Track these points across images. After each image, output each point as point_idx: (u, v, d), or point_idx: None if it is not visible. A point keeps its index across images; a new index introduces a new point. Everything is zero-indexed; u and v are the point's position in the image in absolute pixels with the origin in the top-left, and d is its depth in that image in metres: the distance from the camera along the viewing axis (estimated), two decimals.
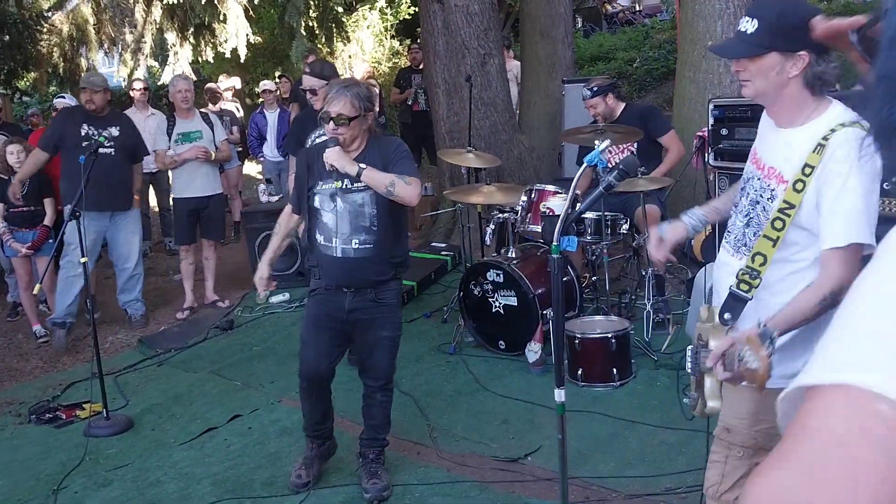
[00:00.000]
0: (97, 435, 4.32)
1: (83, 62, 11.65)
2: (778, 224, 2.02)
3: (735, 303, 2.06)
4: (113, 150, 5.86)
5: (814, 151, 1.98)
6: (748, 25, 2.03)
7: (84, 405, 4.68)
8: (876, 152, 0.69)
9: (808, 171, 1.97)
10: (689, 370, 2.23)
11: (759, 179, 2.17)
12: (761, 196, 2.15)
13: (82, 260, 4.57)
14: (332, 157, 3.24)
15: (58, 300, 5.88)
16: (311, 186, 3.40)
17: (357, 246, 3.32)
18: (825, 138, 1.97)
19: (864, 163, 1.91)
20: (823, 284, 1.96)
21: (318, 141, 5.08)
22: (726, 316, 2.06)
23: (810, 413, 0.59)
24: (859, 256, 1.98)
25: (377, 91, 9.44)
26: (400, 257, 3.47)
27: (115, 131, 5.95)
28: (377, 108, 8.99)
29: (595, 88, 5.28)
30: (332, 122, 3.25)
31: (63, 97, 7.26)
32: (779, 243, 2.01)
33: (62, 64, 11.13)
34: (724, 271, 2.23)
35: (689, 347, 2.33)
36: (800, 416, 0.59)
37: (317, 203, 3.38)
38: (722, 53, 2.31)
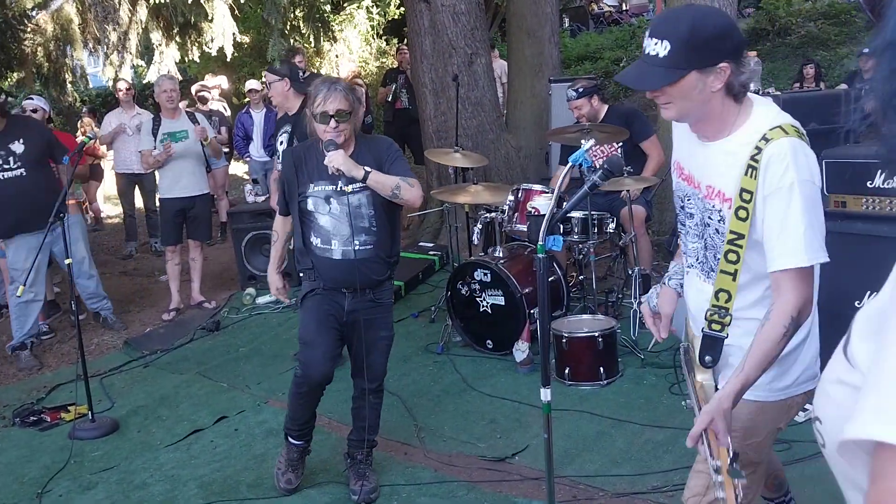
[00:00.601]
0: (82, 437, 4.29)
1: (68, 62, 11.59)
2: (732, 257, 1.93)
3: (712, 343, 1.99)
4: (22, 169, 5.32)
5: (747, 175, 1.88)
6: (658, 48, 1.86)
7: (69, 407, 4.64)
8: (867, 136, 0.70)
9: (746, 196, 1.89)
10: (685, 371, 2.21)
11: (700, 199, 2.08)
12: (710, 218, 2.05)
13: (67, 262, 4.52)
14: (337, 160, 3.14)
15: (15, 327, 5.57)
16: (301, 190, 3.33)
17: (358, 247, 3.27)
18: (755, 159, 1.87)
19: (802, 173, 1.85)
20: (782, 313, 1.86)
21: (281, 140, 5.06)
22: (707, 359, 1.99)
23: (881, 475, 0.66)
24: (813, 273, 1.90)
25: (364, 91, 9.42)
26: (395, 257, 3.46)
27: (18, 146, 5.35)
28: (364, 108, 9.01)
29: (580, 90, 5.27)
30: (332, 121, 3.17)
31: (31, 99, 6.96)
32: (738, 276, 1.93)
33: (46, 64, 11.07)
34: (699, 298, 2.14)
35: (682, 345, 2.31)
36: (873, 476, 0.67)
37: (310, 206, 3.31)
38: (637, 85, 2.03)
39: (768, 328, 1.87)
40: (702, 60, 1.86)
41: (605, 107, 5.41)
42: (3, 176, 5.32)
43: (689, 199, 2.14)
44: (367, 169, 3.19)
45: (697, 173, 2.09)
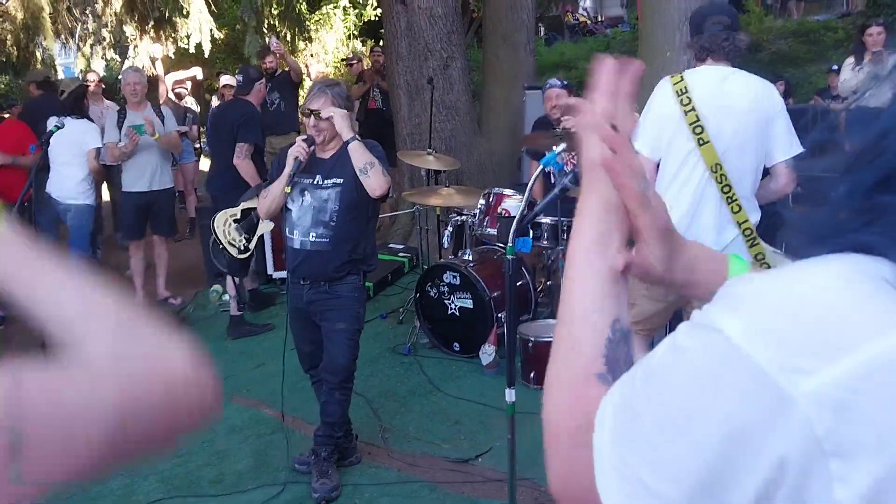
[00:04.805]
0: None
1: (38, 52, 11.43)
2: None
3: None
4: None
5: None
6: None
7: None
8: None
9: None
10: None
11: None
12: None
13: None
14: (336, 113, 3.34)
15: None
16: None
17: (314, 239, 3.41)
18: None
19: None
20: None
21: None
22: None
23: None
24: None
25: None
26: (360, 254, 3.48)
27: None
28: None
29: (565, 82, 5.31)
30: (313, 118, 3.38)
31: None
32: None
33: (15, 52, 10.90)
34: None
35: None
36: None
37: (288, 199, 3.48)
38: None
39: None
40: None
41: None
42: None
43: None
44: (356, 136, 3.38)
45: None
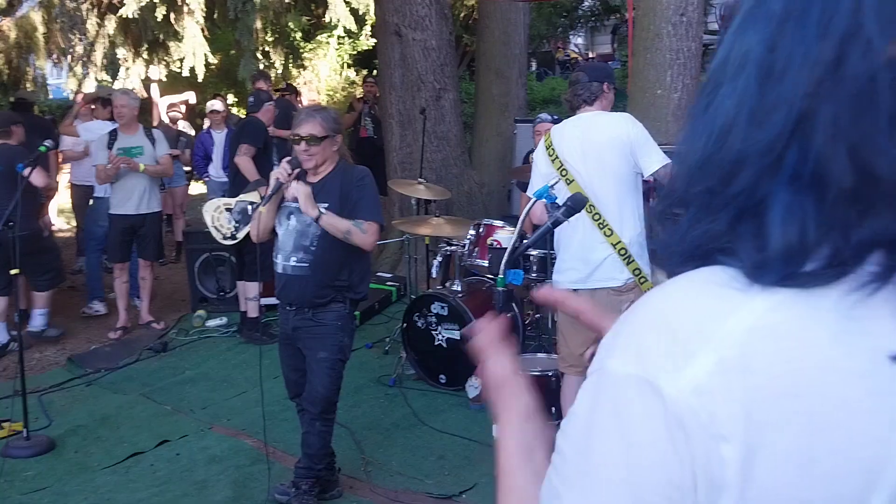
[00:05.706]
0: (15, 456, 4.12)
1: (30, 71, 11.38)
2: None
3: None
4: None
5: None
6: None
7: (3, 424, 4.46)
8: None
9: None
10: None
11: None
12: None
13: (13, 272, 4.39)
14: (299, 192, 3.27)
15: None
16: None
17: (294, 263, 3.36)
18: None
19: None
20: None
21: None
22: None
23: None
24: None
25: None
26: (345, 282, 3.41)
27: None
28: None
29: (555, 117, 5.30)
30: (303, 143, 3.31)
31: None
32: None
33: (7, 71, 10.86)
34: None
35: None
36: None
37: (277, 220, 3.46)
38: None
39: None
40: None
41: None
42: None
43: None
44: (322, 211, 3.27)
45: None
